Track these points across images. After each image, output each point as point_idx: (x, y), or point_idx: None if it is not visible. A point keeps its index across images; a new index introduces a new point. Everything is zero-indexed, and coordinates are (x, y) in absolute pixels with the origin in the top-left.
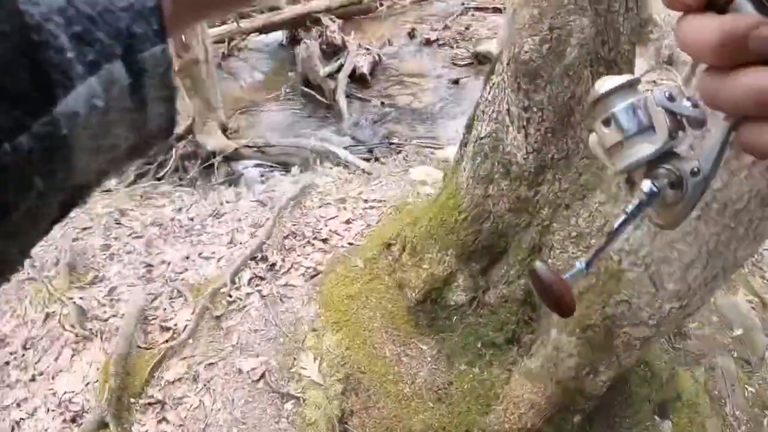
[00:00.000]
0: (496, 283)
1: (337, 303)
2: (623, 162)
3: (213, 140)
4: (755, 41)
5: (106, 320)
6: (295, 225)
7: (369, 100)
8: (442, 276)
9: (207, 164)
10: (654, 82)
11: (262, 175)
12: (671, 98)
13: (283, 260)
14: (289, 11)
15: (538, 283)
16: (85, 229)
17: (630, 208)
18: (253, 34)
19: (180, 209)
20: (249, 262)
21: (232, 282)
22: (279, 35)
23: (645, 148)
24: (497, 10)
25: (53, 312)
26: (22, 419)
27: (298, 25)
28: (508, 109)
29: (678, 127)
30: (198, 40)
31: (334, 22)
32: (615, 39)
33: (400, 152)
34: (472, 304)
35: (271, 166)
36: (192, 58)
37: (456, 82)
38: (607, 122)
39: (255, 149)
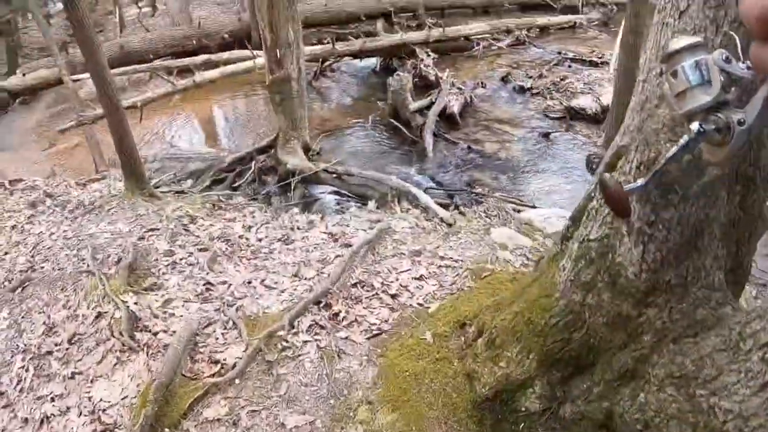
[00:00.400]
0: (576, 398)
1: (399, 378)
2: (685, 107)
3: (294, 159)
4: None
5: (156, 334)
6: (365, 272)
7: (456, 143)
8: (519, 380)
9: (284, 182)
10: None
11: (338, 203)
12: (728, 60)
13: (347, 311)
14: (385, 39)
15: (604, 189)
16: (152, 230)
17: (683, 140)
18: (347, 57)
19: (250, 227)
20: (311, 306)
21: (291, 326)
22: (373, 61)
23: (703, 98)
24: (594, 64)
25: (105, 312)
26: (53, 415)
27: (393, 54)
28: (629, 219)
29: (730, 84)
30: (293, 58)
31: (429, 56)
32: (756, 154)
33: (480, 203)
34: (545, 414)
35: (348, 196)
36: (284, 75)
37: (546, 135)
38: (675, 74)
39: (334, 175)
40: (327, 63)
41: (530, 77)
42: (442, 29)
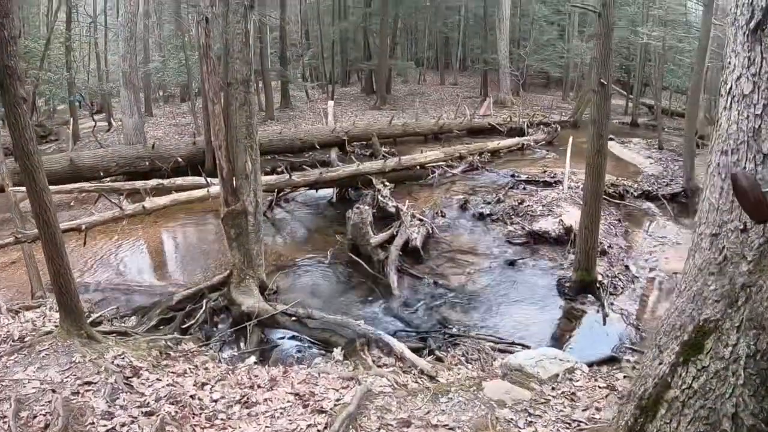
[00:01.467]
0: None
1: None
2: None
3: (249, 300)
4: None
5: None
6: None
7: (421, 278)
8: None
9: (239, 327)
10: None
11: (299, 351)
12: None
13: None
14: (342, 169)
15: (738, 187)
16: (88, 383)
17: None
18: (303, 188)
19: (203, 385)
20: None
21: None
22: (329, 192)
23: None
24: (548, 184)
25: None
26: None
27: (349, 185)
28: (735, 414)
29: None
30: (249, 189)
31: (386, 186)
32: None
33: (457, 344)
34: None
35: (311, 342)
36: (240, 208)
37: (512, 264)
38: None
39: (294, 319)
40: (282, 193)
41: (488, 203)
42: (398, 158)
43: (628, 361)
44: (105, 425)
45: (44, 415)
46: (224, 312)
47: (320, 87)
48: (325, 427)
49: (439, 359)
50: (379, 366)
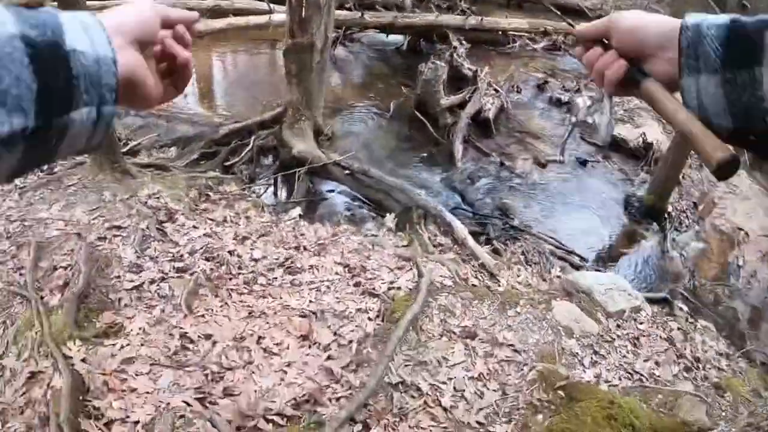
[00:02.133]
0: None
1: None
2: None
3: (302, 144)
4: None
5: (109, 426)
6: (407, 362)
7: (488, 154)
8: None
9: (287, 172)
10: None
11: (348, 209)
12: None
13: None
14: (420, 17)
15: None
16: (117, 227)
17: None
18: (373, 30)
19: (243, 239)
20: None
21: None
22: (399, 39)
23: None
24: None
25: (40, 373)
26: None
27: (423, 35)
28: None
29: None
30: (320, 23)
31: (462, 45)
32: None
33: (517, 240)
34: None
35: (362, 201)
36: (307, 41)
37: (584, 164)
38: None
39: (347, 172)
40: (349, 31)
41: (567, 90)
42: (480, 18)
43: (680, 309)
44: (131, 280)
45: (65, 269)
46: (272, 153)
47: None
48: (377, 315)
49: (497, 251)
50: (434, 246)
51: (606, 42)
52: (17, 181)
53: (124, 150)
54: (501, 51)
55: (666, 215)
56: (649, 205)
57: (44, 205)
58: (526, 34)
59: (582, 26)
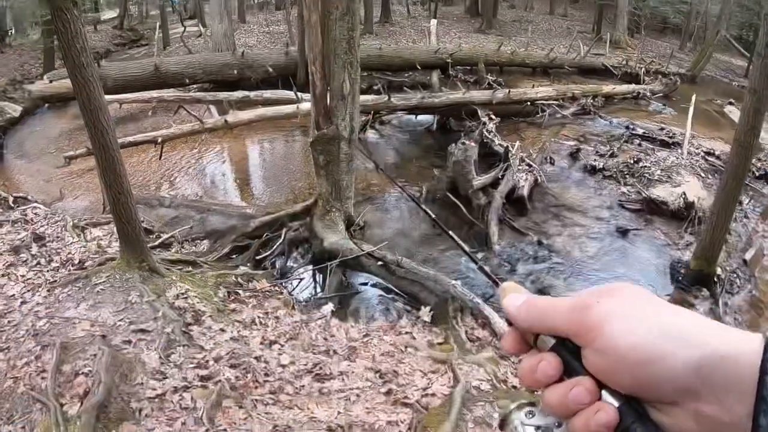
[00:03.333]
0: None
1: None
2: None
3: (333, 235)
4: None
5: None
6: None
7: (524, 234)
8: None
9: (318, 266)
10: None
11: (382, 303)
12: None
13: None
14: (447, 96)
15: None
16: (142, 331)
17: None
18: (401, 112)
19: (271, 344)
20: None
21: None
22: (428, 118)
23: None
24: (665, 144)
25: None
26: None
27: (452, 113)
28: None
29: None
30: (345, 113)
31: (491, 119)
32: None
33: None
34: None
35: (397, 293)
36: (333, 133)
37: (624, 233)
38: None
39: (380, 264)
40: (379, 114)
41: (600, 155)
42: (507, 91)
43: None
44: (154, 388)
45: (86, 375)
46: (304, 245)
47: (421, 4)
48: (409, 428)
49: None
50: (471, 340)
51: (565, 343)
52: (47, 275)
53: (156, 243)
54: (531, 121)
55: (715, 278)
56: (697, 271)
57: (72, 303)
58: (554, 102)
59: (511, 305)
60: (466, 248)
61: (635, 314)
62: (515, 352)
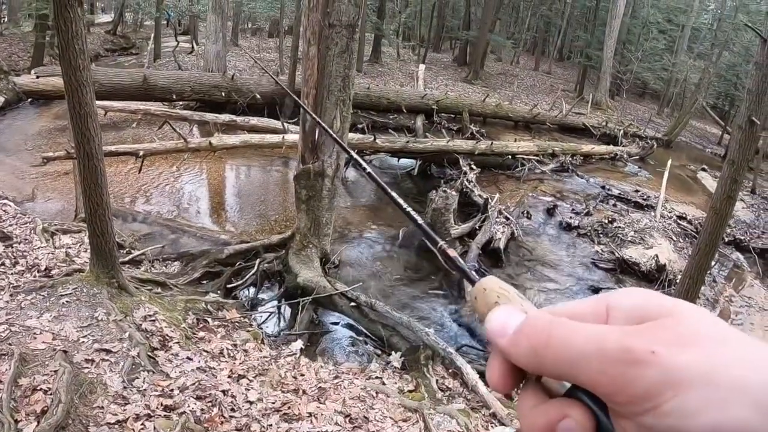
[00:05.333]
0: None
1: None
2: None
3: (308, 272)
4: None
5: None
6: None
7: None
8: None
9: (291, 301)
10: None
11: (353, 344)
12: None
13: None
14: (430, 142)
15: None
16: (106, 351)
17: None
18: (385, 153)
19: (239, 378)
20: None
21: None
22: (411, 162)
23: None
24: (639, 206)
25: None
26: None
27: (434, 159)
28: None
29: None
30: (332, 151)
31: (472, 170)
32: None
33: None
34: None
35: (367, 336)
36: (318, 169)
37: (596, 291)
38: None
39: (353, 304)
40: (361, 153)
41: (576, 213)
42: (490, 142)
43: None
44: (115, 414)
45: (45, 392)
46: (277, 278)
47: (411, 48)
48: None
49: (509, 396)
50: (442, 389)
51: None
52: (11, 278)
53: (126, 259)
54: (510, 174)
55: None
56: None
57: (35, 312)
58: (534, 157)
59: (499, 329)
60: (420, 220)
61: (723, 374)
62: (507, 390)
